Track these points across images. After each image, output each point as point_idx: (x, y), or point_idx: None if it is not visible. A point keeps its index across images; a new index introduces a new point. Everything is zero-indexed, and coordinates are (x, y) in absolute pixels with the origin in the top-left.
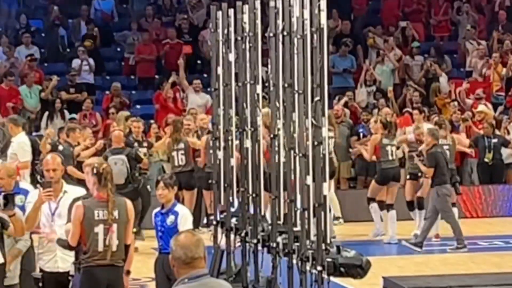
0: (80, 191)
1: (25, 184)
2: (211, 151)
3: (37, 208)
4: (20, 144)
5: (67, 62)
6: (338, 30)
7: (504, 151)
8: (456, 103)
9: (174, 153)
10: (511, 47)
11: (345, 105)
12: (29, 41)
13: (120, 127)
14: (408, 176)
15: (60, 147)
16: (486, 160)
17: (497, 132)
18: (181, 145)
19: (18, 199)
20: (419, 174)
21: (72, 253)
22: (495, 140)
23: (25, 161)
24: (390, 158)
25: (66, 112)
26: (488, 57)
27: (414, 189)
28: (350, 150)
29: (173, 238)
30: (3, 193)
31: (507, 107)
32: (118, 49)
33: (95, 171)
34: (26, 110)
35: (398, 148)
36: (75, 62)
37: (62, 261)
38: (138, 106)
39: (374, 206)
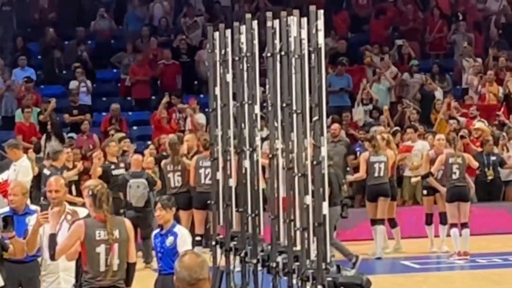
0: (82, 211)
1: (34, 206)
2: (200, 171)
3: (36, 230)
4: (23, 168)
5: (63, 84)
6: (335, 49)
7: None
8: (454, 120)
9: (170, 175)
10: (505, 64)
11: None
12: (25, 63)
13: (114, 149)
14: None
15: (47, 172)
16: (489, 177)
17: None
18: (178, 167)
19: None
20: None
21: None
22: (493, 158)
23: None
24: (376, 175)
25: (64, 133)
26: (482, 74)
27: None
28: (348, 169)
29: (177, 259)
30: (2, 215)
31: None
32: (114, 71)
33: (90, 192)
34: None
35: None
36: (73, 84)
37: (65, 282)
38: (134, 128)
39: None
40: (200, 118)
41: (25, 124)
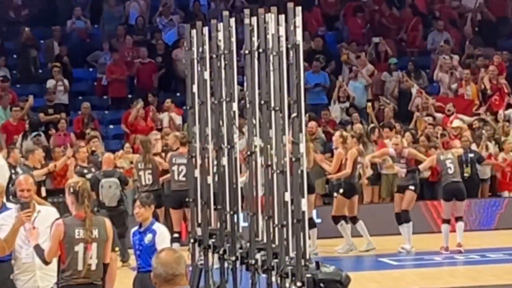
0: (52, 211)
1: (11, 204)
2: (173, 168)
3: (17, 229)
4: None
5: (40, 83)
6: (311, 46)
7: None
8: (429, 117)
9: (141, 173)
10: (483, 61)
11: (317, 121)
12: (1, 64)
13: (84, 154)
14: (395, 189)
15: (19, 170)
16: (465, 174)
17: (473, 147)
18: (149, 165)
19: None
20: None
21: (52, 271)
22: (471, 155)
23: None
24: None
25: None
26: (454, 71)
27: (401, 202)
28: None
29: (154, 255)
30: None
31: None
32: (91, 70)
33: (71, 190)
34: None
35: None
36: (50, 83)
37: (42, 280)
38: (111, 126)
39: (343, 223)
40: (175, 116)
41: (13, 123)
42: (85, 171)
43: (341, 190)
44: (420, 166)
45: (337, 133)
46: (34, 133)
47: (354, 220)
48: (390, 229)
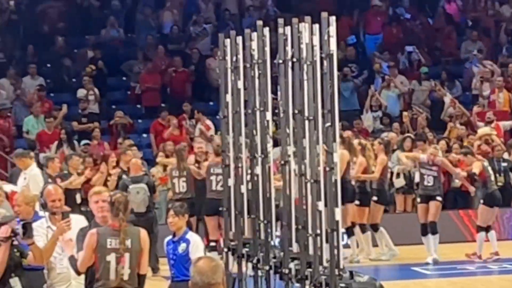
0: (81, 218)
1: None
2: (211, 178)
3: (57, 238)
4: (32, 176)
5: (73, 92)
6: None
7: None
8: (462, 126)
9: (176, 180)
10: None
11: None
12: (35, 72)
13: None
14: (419, 200)
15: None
16: (499, 183)
17: (506, 156)
18: (183, 173)
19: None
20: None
21: None
22: (504, 164)
23: (36, 193)
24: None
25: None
26: (492, 80)
27: (426, 213)
28: None
29: (192, 264)
30: (22, 222)
31: None
32: (124, 78)
33: (108, 199)
34: (30, 141)
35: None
36: (81, 92)
37: None
38: (144, 135)
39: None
40: (206, 127)
41: (47, 132)
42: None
43: (374, 198)
44: (473, 171)
45: (355, 141)
46: (83, 142)
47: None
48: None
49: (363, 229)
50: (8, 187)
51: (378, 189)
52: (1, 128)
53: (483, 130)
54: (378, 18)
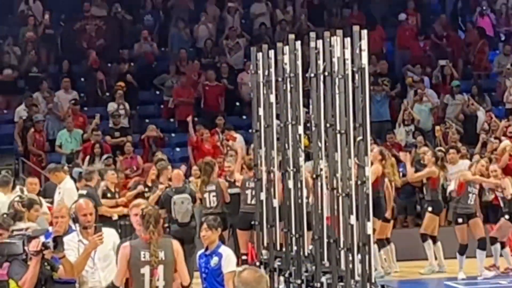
0: (112, 231)
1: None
2: (246, 192)
3: (89, 252)
4: (67, 190)
5: (106, 106)
6: (376, 70)
7: None
8: (495, 139)
9: (206, 195)
10: None
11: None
12: (69, 86)
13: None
14: (461, 220)
15: (83, 192)
16: None
17: None
18: (212, 187)
19: None
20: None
21: None
22: None
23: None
24: None
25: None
26: None
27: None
28: None
29: (237, 274)
30: (52, 236)
31: None
32: (157, 92)
33: (140, 213)
34: (64, 155)
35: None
36: (111, 106)
37: None
38: (177, 149)
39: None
40: (237, 139)
41: (88, 145)
42: (146, 189)
43: (430, 208)
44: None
45: (376, 149)
46: (105, 156)
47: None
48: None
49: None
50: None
51: (432, 200)
52: (36, 142)
53: (506, 143)
54: (407, 33)
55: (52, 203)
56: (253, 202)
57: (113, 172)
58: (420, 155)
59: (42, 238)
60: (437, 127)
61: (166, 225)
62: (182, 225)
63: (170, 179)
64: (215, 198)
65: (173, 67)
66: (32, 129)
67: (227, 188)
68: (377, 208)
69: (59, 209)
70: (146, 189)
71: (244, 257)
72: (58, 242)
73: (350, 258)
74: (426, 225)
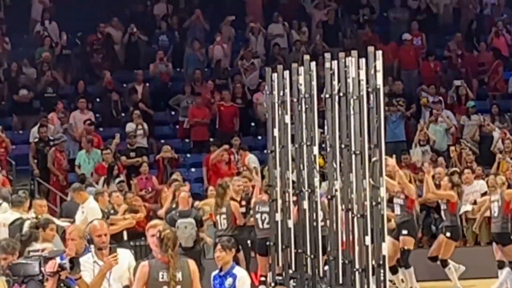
0: (127, 252)
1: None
2: (257, 216)
3: (104, 273)
4: (91, 210)
5: (122, 126)
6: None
7: None
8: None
9: (218, 217)
10: None
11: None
12: (84, 106)
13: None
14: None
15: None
16: None
17: None
18: (223, 209)
19: None
20: None
21: None
22: None
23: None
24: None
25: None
26: None
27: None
28: None
29: None
30: (69, 257)
31: None
32: (173, 113)
33: (157, 235)
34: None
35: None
36: (129, 126)
37: None
38: (193, 170)
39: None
40: (251, 159)
41: (105, 165)
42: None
43: (448, 234)
44: None
45: (391, 161)
46: (117, 180)
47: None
48: (486, 273)
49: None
50: (61, 222)
51: (452, 226)
52: (56, 160)
53: None
54: (411, 53)
55: (73, 222)
56: (265, 226)
57: (118, 194)
58: (436, 176)
59: (58, 259)
60: (452, 148)
61: None
62: (185, 249)
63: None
64: (226, 220)
65: (188, 87)
66: (53, 148)
67: (238, 210)
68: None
69: (69, 231)
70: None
71: (263, 278)
72: (74, 263)
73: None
74: (444, 251)
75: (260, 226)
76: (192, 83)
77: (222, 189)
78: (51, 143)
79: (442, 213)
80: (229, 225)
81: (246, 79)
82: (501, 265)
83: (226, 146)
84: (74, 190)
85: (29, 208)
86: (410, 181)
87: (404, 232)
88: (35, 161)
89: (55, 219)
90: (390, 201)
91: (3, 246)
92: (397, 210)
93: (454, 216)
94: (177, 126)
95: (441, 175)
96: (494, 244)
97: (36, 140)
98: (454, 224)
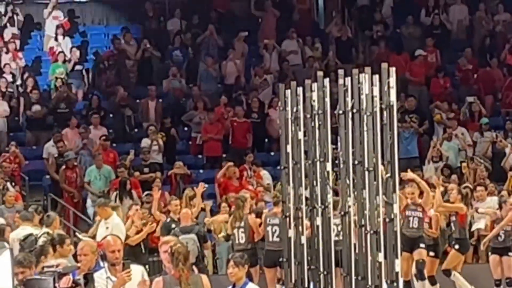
0: (140, 268)
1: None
2: (267, 229)
3: None
4: (116, 225)
5: (135, 142)
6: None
7: None
8: None
9: (236, 231)
10: None
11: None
12: (98, 122)
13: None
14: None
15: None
16: None
17: None
18: (241, 223)
19: None
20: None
21: None
22: None
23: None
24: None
25: (133, 192)
26: None
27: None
28: None
29: None
30: (82, 272)
31: None
32: (186, 129)
33: (169, 250)
34: (92, 193)
35: None
36: (145, 142)
37: None
38: (206, 185)
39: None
40: (265, 175)
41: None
42: (173, 225)
43: (456, 246)
44: None
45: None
46: (146, 193)
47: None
48: None
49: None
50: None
51: (460, 238)
52: (68, 179)
53: None
54: (423, 69)
55: (94, 237)
56: (275, 239)
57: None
58: (448, 192)
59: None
60: (465, 164)
61: None
62: None
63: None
64: (244, 234)
65: (200, 103)
66: (63, 166)
67: (257, 224)
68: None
69: (81, 247)
70: (173, 225)
71: None
72: (88, 279)
73: None
74: (449, 262)
75: (270, 238)
76: (205, 99)
77: (241, 202)
78: (61, 159)
79: (452, 224)
80: (247, 239)
81: (259, 95)
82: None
83: (231, 163)
84: (98, 206)
85: (41, 224)
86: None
87: (422, 245)
88: (47, 176)
89: (78, 234)
90: None
91: (20, 260)
92: (415, 224)
93: (463, 228)
94: (190, 142)
95: (453, 191)
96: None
97: (56, 155)
98: (463, 237)
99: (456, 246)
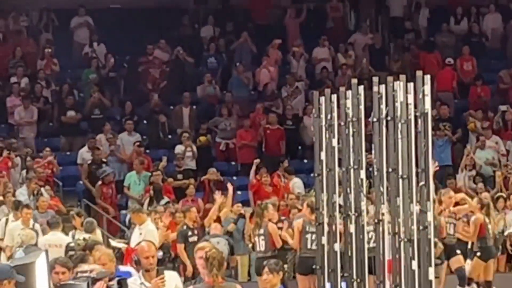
0: (174, 274)
1: (126, 267)
2: (306, 236)
3: None
4: (149, 232)
5: (169, 148)
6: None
7: None
8: None
9: (256, 239)
10: None
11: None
12: (132, 128)
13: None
14: None
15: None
16: None
17: None
18: (261, 231)
19: None
20: None
21: None
22: None
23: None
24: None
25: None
26: None
27: None
28: None
29: None
30: (116, 278)
31: None
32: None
33: (204, 255)
34: (131, 198)
35: None
36: (178, 148)
37: None
38: (239, 192)
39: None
40: (297, 183)
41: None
42: (189, 233)
43: (478, 253)
44: None
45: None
46: (163, 201)
47: (488, 285)
48: None
49: None
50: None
51: (481, 247)
52: (103, 195)
53: None
54: (449, 76)
55: (128, 243)
56: (313, 247)
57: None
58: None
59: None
60: (498, 173)
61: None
62: None
63: None
64: (264, 242)
65: (235, 110)
66: (100, 182)
67: (276, 232)
68: None
69: (98, 257)
70: (190, 233)
71: None
72: (122, 284)
73: None
74: (471, 270)
75: (308, 246)
76: (239, 106)
77: (260, 209)
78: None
79: None
80: (267, 247)
81: (291, 102)
82: None
83: (257, 160)
84: (133, 212)
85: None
86: None
87: (458, 252)
88: (81, 182)
89: (111, 241)
90: None
91: (63, 261)
92: (451, 230)
93: (484, 238)
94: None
95: (486, 200)
96: None
97: (89, 162)
98: (483, 245)
99: (478, 253)
